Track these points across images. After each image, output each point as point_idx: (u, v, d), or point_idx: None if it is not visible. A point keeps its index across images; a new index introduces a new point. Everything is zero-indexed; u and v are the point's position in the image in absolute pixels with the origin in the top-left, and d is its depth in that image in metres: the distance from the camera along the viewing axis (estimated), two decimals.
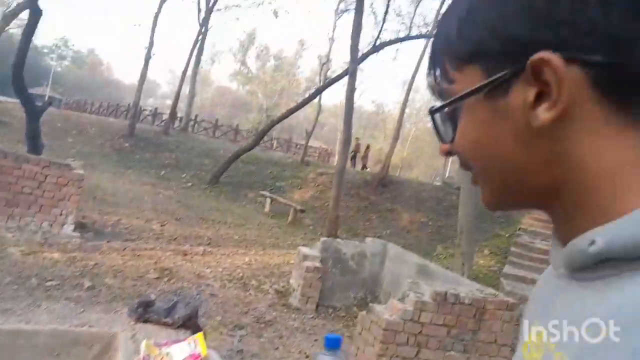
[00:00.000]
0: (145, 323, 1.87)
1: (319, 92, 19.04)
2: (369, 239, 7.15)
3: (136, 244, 6.78)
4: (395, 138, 19.11)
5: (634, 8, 0.34)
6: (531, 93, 0.37)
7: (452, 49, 0.41)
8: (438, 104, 0.44)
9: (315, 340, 4.74)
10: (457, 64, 0.41)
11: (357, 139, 23.78)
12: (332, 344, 1.07)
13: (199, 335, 1.61)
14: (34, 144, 8.52)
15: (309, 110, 30.59)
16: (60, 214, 6.31)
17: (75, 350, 1.67)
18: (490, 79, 0.38)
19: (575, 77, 0.35)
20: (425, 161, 40.02)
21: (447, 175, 23.72)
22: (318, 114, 22.77)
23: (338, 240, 7.20)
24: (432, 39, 0.46)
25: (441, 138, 0.45)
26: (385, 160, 18.12)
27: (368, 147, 24.02)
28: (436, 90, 0.45)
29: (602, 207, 0.36)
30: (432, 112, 0.44)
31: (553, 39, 0.35)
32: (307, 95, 20.41)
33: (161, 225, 8.45)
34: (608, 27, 0.34)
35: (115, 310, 1.93)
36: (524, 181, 0.40)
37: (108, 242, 6.50)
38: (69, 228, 6.29)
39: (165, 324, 1.87)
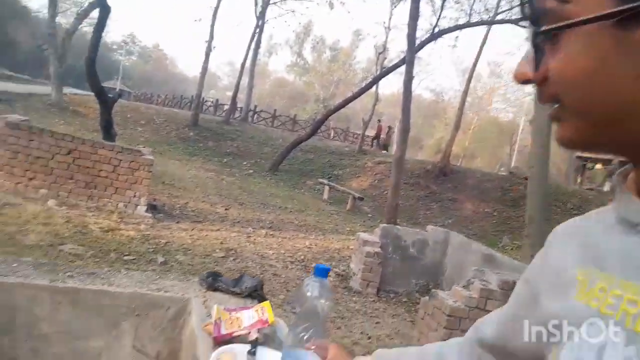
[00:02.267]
0: (215, 291, 1.95)
1: (375, 81, 18.81)
2: (430, 227, 7.01)
3: (203, 225, 7.06)
4: (457, 127, 18.55)
5: None
6: None
7: None
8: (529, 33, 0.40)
9: (377, 322, 4.73)
10: None
11: (379, 120, 24.18)
12: (321, 273, 1.15)
13: (266, 303, 1.64)
14: (108, 132, 9.06)
15: (365, 100, 30.31)
16: (134, 196, 6.68)
17: (153, 312, 1.76)
18: (630, 6, 0.34)
19: None
20: (488, 151, 38.55)
21: (512, 164, 22.74)
22: (375, 103, 22.53)
23: (398, 227, 7.12)
24: None
25: (534, 64, 0.41)
26: (446, 149, 17.65)
27: (390, 128, 24.13)
28: (535, 8, 0.40)
29: None
30: (542, 32, 0.39)
31: None
32: (363, 85, 20.20)
33: (225, 209, 8.74)
34: None
35: (187, 279, 2.00)
36: (628, 122, 0.36)
37: (177, 222, 6.81)
38: (142, 209, 6.66)
39: (233, 293, 1.93)
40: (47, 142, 6.18)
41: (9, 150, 5.99)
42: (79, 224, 5.29)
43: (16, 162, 6.03)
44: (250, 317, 1.51)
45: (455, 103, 28.82)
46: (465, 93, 19.85)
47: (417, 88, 39.22)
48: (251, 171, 15.36)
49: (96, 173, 6.51)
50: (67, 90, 19.08)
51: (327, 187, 13.76)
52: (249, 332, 1.45)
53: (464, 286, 4.37)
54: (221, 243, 6.24)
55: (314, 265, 4.86)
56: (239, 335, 1.45)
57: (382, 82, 20.10)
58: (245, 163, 16.25)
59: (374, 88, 20.08)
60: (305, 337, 1.15)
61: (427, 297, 4.54)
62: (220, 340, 1.42)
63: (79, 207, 6.03)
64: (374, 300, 5.59)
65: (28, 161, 6.08)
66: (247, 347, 1.39)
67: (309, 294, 1.15)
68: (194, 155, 15.81)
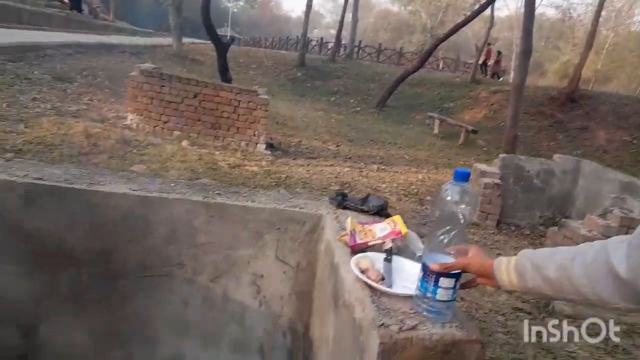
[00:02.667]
0: (344, 209, 2.02)
1: (490, 2, 17.03)
2: (557, 156, 6.46)
3: (317, 161, 7.32)
4: (588, 46, 16.29)
5: None
6: None
7: None
8: None
9: (498, 254, 4.61)
10: None
11: (489, 44, 21.88)
12: (462, 178, 1.11)
13: (397, 217, 1.67)
14: (225, 76, 9.58)
15: (477, 26, 27.83)
16: (254, 135, 7.10)
17: (291, 226, 1.90)
18: None
19: None
20: (626, 72, 33.51)
21: None
22: (490, 27, 20.59)
23: (520, 157, 6.67)
24: None
25: None
26: (575, 73, 15.72)
27: (499, 53, 21.84)
28: None
29: None
30: None
31: None
32: (476, 8, 18.45)
33: (336, 146, 8.92)
34: None
35: (317, 199, 2.11)
36: None
37: (294, 159, 7.15)
38: (261, 147, 7.07)
39: (361, 211, 1.99)
40: (176, 87, 6.74)
41: (146, 97, 6.67)
42: (209, 161, 5.81)
43: (152, 107, 6.71)
44: (382, 229, 1.57)
45: (585, 20, 25.18)
46: (601, 6, 17.19)
47: (539, 6, 34.90)
48: (358, 108, 15.30)
49: (219, 114, 6.99)
50: (185, 40, 20.35)
51: (437, 121, 13.24)
52: (384, 242, 1.51)
53: (600, 215, 4.03)
54: (336, 177, 6.45)
55: (428, 197, 4.81)
56: (373, 245, 1.52)
57: (497, 3, 18.18)
58: (352, 101, 16.21)
59: (488, 10, 18.28)
60: (445, 241, 1.17)
61: (555, 228, 4.28)
62: (357, 249, 1.50)
63: (207, 147, 6.60)
64: (493, 233, 5.43)
65: (162, 105, 6.72)
66: (383, 255, 1.45)
67: (448, 198, 1.15)
68: (303, 95, 16.14)
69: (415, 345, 1.12)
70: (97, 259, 1.80)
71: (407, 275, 1.34)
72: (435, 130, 13.06)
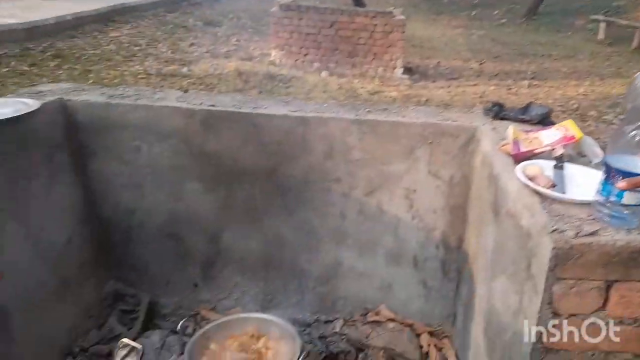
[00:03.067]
0: (502, 120, 1.90)
1: None
2: None
3: (459, 82, 6.91)
4: None
5: None
6: None
7: None
8: None
9: None
10: None
11: None
12: None
13: (569, 122, 1.51)
14: (358, 1, 9.34)
15: None
16: (390, 60, 6.92)
17: (444, 140, 1.85)
18: None
19: None
20: None
21: None
22: None
23: None
24: None
25: None
26: None
27: None
28: None
29: None
30: None
31: None
32: None
33: (479, 64, 8.26)
34: None
35: (470, 111, 2.01)
36: None
37: (433, 81, 6.84)
38: (399, 71, 6.89)
39: (522, 120, 1.84)
40: (312, 18, 6.81)
41: (286, 31, 6.89)
42: (349, 89, 5.89)
43: (292, 41, 6.92)
44: (551, 135, 1.45)
45: None
46: None
47: None
48: (504, 20, 13.74)
49: (356, 41, 6.93)
50: None
51: (603, 25, 11.27)
52: (553, 149, 1.40)
53: None
54: (480, 97, 6.03)
55: (591, 112, 4.22)
56: (540, 152, 1.42)
57: None
58: (495, 12, 14.58)
59: None
60: (637, 139, 1.04)
61: None
62: (521, 158, 1.42)
63: (345, 76, 6.66)
64: None
65: (301, 38, 6.89)
66: (553, 162, 1.35)
67: None
68: (439, 13, 15.00)
69: (594, 252, 1.06)
70: (266, 176, 2.01)
71: (582, 184, 1.24)
72: (600, 36, 11.17)
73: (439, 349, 2.14)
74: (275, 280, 2.25)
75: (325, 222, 2.08)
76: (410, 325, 2.19)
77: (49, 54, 5.85)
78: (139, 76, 5.22)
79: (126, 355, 1.00)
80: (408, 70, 7.19)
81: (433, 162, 1.88)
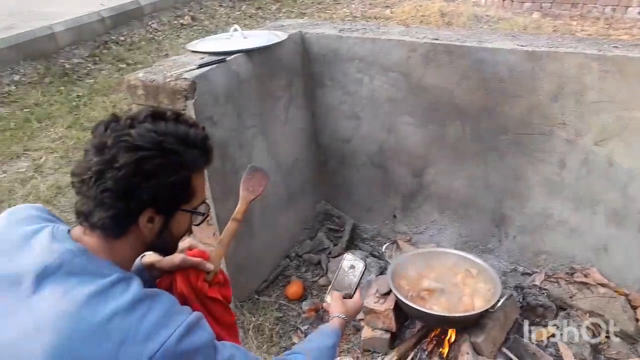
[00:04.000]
0: None
1: None
2: None
3: None
4: None
5: None
6: None
7: None
8: None
9: None
10: None
11: None
12: None
13: None
14: None
15: None
16: None
17: None
18: None
19: None
20: None
21: None
22: None
23: None
24: None
25: None
26: None
27: None
28: None
29: None
30: None
31: None
32: None
33: None
34: None
35: None
36: None
37: None
38: (634, 11, 5.75)
39: None
40: None
41: None
42: (565, 32, 5.18)
43: None
44: None
45: None
46: None
47: None
48: None
49: None
50: None
51: None
52: None
53: None
54: None
55: None
56: None
57: None
58: None
59: None
60: None
61: None
62: None
63: (562, 17, 5.85)
64: None
65: None
66: None
67: None
68: None
69: None
70: (481, 114, 1.96)
71: None
72: None
73: None
74: (474, 222, 2.23)
75: (540, 169, 1.96)
76: (626, 295, 1.97)
77: None
78: (346, 18, 5.44)
79: (350, 268, 1.15)
80: None
81: None
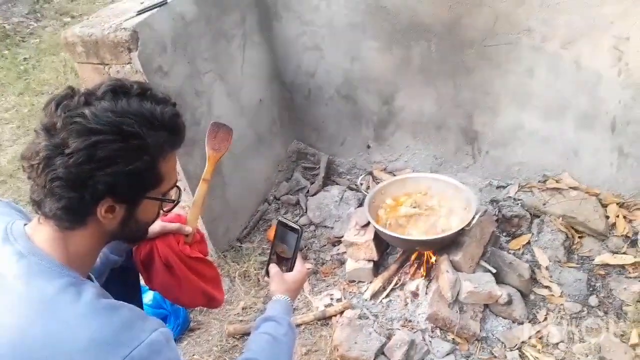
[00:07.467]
0: None
1: None
2: None
3: None
4: None
5: None
6: None
7: None
8: None
9: None
10: None
11: None
12: None
13: None
14: None
15: None
16: None
17: None
18: None
19: None
20: None
21: None
22: None
23: None
24: None
25: None
26: None
27: None
28: None
29: None
30: None
31: None
32: None
33: None
34: None
35: None
36: None
37: None
38: None
39: None
40: None
41: None
42: None
43: None
44: None
45: None
46: None
47: None
48: None
49: None
50: None
51: None
52: None
53: None
54: None
55: None
56: None
57: None
58: None
59: None
60: None
61: None
62: None
63: None
64: None
65: None
66: None
67: None
68: None
69: None
70: (445, 30, 1.88)
71: None
72: None
73: (629, 221, 1.96)
74: (447, 143, 2.22)
75: (508, 81, 1.92)
76: (596, 195, 2.02)
77: None
78: None
79: (286, 235, 1.02)
80: None
81: None
